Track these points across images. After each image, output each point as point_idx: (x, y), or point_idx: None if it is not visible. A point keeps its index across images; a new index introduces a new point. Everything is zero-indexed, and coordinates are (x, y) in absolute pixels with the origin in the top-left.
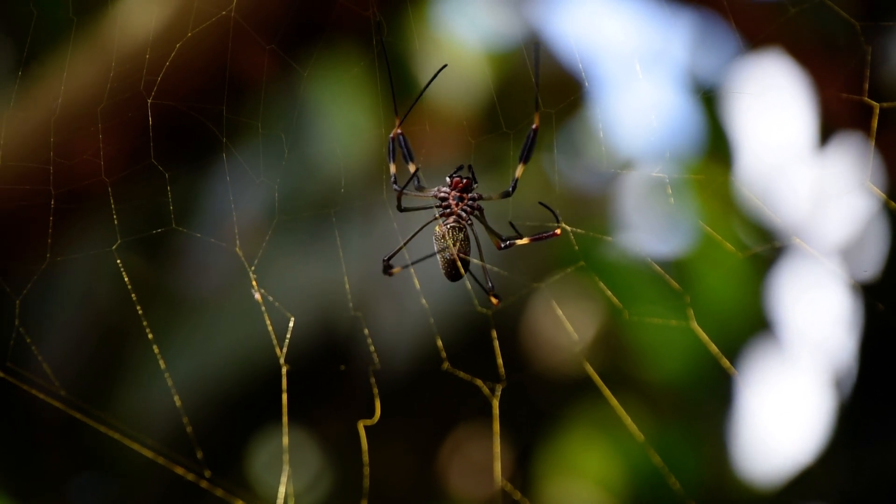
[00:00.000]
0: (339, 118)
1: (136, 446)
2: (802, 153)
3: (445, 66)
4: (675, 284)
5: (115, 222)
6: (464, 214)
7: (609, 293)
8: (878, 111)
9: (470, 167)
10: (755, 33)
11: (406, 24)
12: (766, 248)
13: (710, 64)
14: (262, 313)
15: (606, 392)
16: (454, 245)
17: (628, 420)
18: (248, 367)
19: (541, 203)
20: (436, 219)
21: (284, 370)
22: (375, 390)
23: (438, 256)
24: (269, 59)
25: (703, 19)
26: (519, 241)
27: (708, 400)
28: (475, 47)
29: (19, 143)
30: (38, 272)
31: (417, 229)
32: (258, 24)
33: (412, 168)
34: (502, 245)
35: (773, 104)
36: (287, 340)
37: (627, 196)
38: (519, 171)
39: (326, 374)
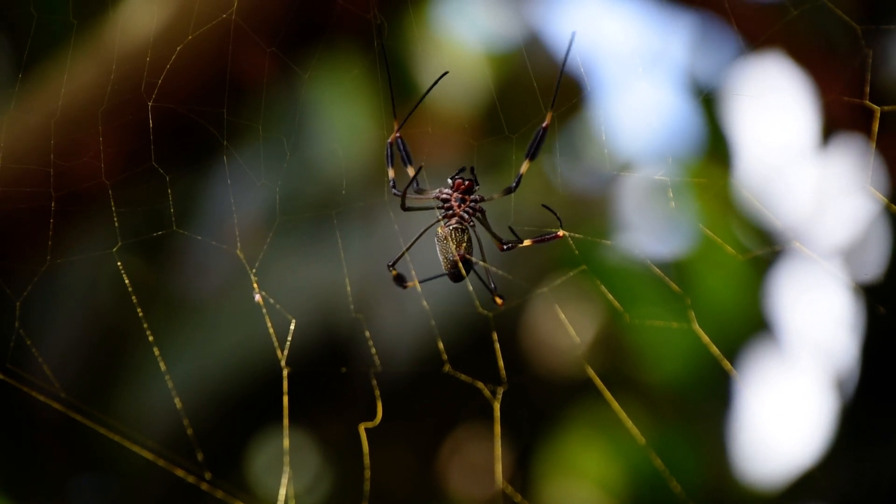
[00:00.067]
0: (340, 120)
1: (136, 448)
2: (803, 155)
3: (447, 72)
4: (675, 287)
5: (116, 224)
6: (466, 216)
7: (610, 296)
8: (878, 115)
9: (472, 169)
10: (756, 35)
11: (407, 25)
12: (766, 252)
13: (710, 65)
14: (263, 315)
15: (607, 394)
16: (457, 247)
17: (629, 422)
18: (249, 368)
19: (544, 206)
20: (438, 221)
21: (285, 372)
22: (377, 392)
23: (441, 258)
24: (270, 62)
25: (704, 21)
26: (521, 244)
27: (708, 402)
28: (476, 48)
29: (20, 145)
30: (39, 274)
31: (419, 234)
32: (258, 27)
33: (411, 171)
34: (504, 247)
35: (773, 106)
36: (288, 342)
37: (628, 197)
38: (524, 167)
39: (327, 375)
